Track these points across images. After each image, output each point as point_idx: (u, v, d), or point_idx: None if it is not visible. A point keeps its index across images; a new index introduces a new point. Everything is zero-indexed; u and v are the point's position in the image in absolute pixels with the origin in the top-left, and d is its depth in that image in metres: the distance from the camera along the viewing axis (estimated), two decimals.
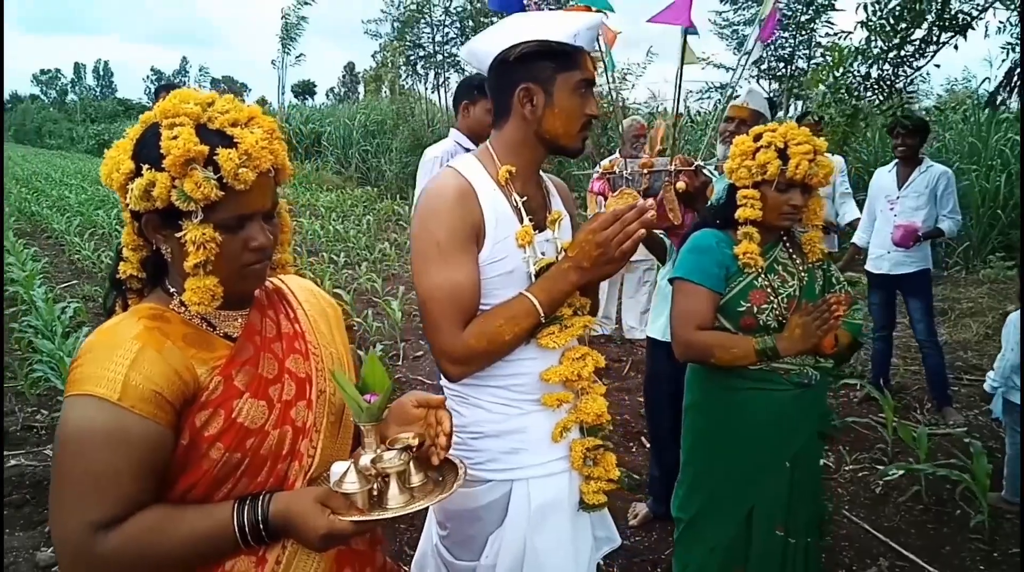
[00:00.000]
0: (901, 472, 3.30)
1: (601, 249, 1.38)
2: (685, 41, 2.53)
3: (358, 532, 1.06)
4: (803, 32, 9.70)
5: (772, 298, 1.93)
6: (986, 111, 8.60)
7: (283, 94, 22.45)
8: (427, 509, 1.66)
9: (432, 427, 1.15)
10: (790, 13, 9.72)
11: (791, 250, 2.04)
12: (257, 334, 1.13)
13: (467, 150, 3.07)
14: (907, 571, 2.74)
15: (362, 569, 1.20)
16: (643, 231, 1.39)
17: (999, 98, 3.34)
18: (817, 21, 9.48)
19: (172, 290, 1.09)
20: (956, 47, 3.19)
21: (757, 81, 10.97)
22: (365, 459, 1.08)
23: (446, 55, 14.18)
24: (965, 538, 2.94)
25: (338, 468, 1.08)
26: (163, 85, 5.20)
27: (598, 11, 2.67)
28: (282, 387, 1.11)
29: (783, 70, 10.20)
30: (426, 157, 3.48)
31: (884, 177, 4.43)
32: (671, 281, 2.09)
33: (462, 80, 3.74)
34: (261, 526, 1.03)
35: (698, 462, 2.09)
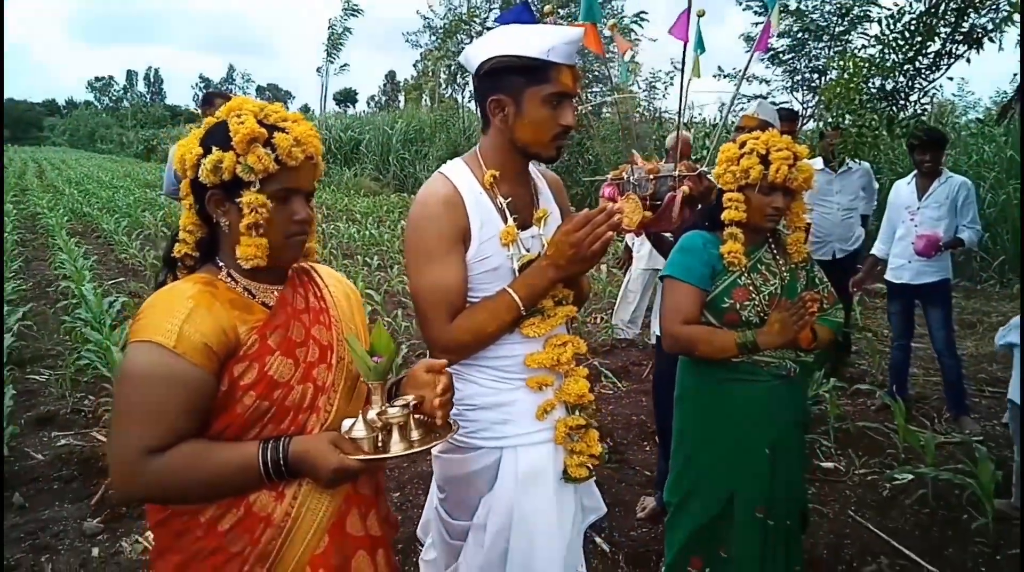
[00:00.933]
0: (909, 476, 3.36)
1: (574, 249, 1.54)
2: (684, 55, 2.65)
3: (364, 470, 1.23)
4: (838, 43, 9.68)
5: (754, 295, 2.05)
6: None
7: (325, 102, 23.03)
8: (432, 484, 1.83)
9: (433, 389, 1.32)
10: (825, 23, 9.72)
11: (775, 251, 2.16)
12: (289, 305, 1.32)
13: None
14: (906, 569, 2.81)
15: (367, 512, 1.36)
16: (611, 233, 1.54)
17: (1010, 112, 3.39)
18: (852, 33, 9.45)
19: (221, 264, 1.30)
20: (968, 60, 3.26)
21: (791, 91, 10.98)
22: (372, 412, 1.25)
23: None
24: (969, 541, 2.99)
25: (347, 422, 1.26)
26: (210, 93, 5.48)
27: (612, 24, 2.82)
28: (307, 350, 1.30)
29: (817, 80, 10.17)
30: None
31: (903, 189, 4.47)
32: (661, 278, 2.23)
33: None
34: (282, 462, 1.20)
35: (686, 448, 2.21)
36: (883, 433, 3.91)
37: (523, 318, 1.61)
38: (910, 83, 3.43)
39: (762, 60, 10.13)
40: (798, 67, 10.30)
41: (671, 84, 12.01)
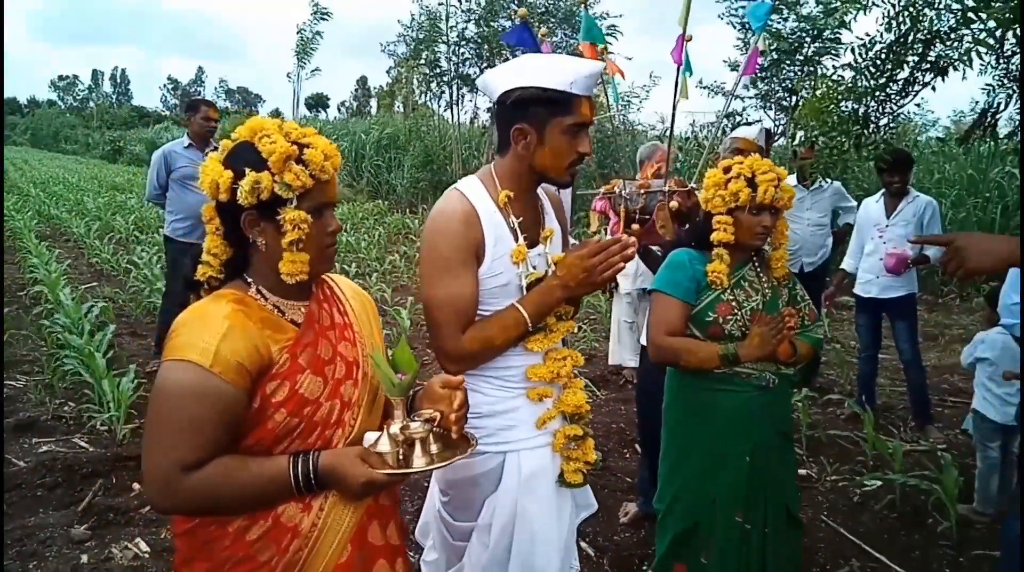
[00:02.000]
0: (878, 483, 3.52)
1: (587, 273, 1.65)
2: (677, 77, 2.78)
3: (390, 483, 1.30)
4: (810, 65, 9.95)
5: (737, 311, 2.17)
6: (985, 144, 8.84)
7: (297, 107, 22.87)
8: (429, 489, 1.90)
9: (449, 404, 1.39)
10: (797, 45, 9.99)
11: (759, 269, 2.28)
12: (316, 322, 1.37)
13: None
14: (875, 571, 2.95)
15: (387, 522, 1.43)
16: (623, 264, 1.65)
17: (973, 136, 3.58)
18: (824, 55, 9.73)
19: (250, 281, 1.34)
20: (934, 88, 3.44)
21: (764, 110, 11.26)
22: (395, 427, 1.32)
23: (462, 75, 14.51)
24: (934, 544, 3.14)
25: (371, 436, 1.32)
26: (194, 100, 5.49)
27: (605, 51, 2.94)
28: (335, 367, 1.36)
29: (788, 100, 10.46)
30: None
31: (872, 207, 4.67)
32: (649, 292, 2.34)
33: None
34: (312, 476, 1.26)
35: (672, 456, 2.31)
36: (853, 441, 4.07)
37: (529, 334, 1.71)
38: (880, 107, 3.60)
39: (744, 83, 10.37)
40: (772, 87, 10.57)
41: (646, 99, 12.25)
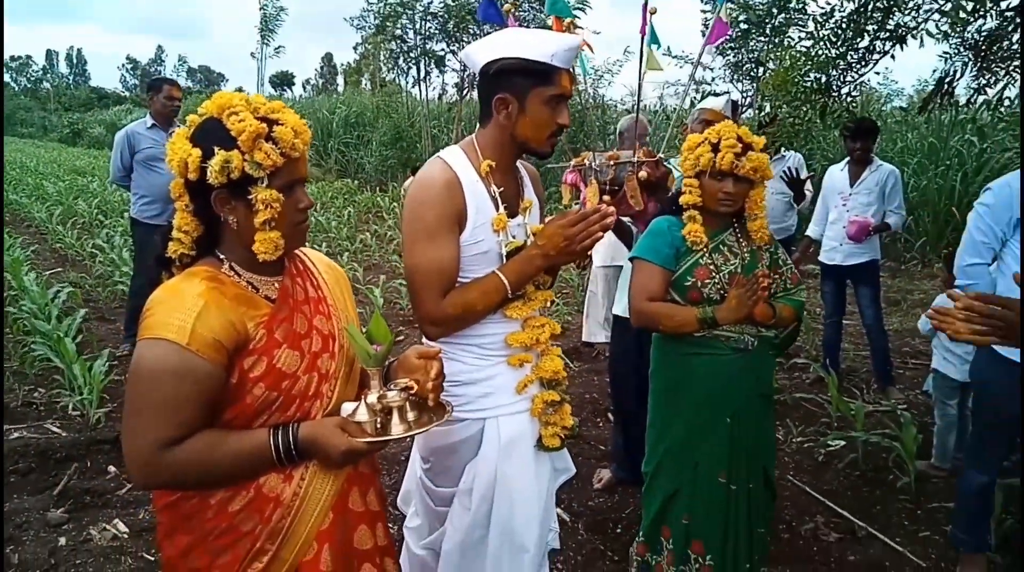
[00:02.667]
0: (842, 442, 3.65)
1: (567, 241, 1.69)
2: (642, 48, 2.81)
3: (369, 451, 1.33)
4: (778, 35, 10.01)
5: (715, 274, 2.21)
6: (946, 113, 9.01)
7: (262, 86, 22.48)
8: (410, 457, 1.94)
9: (426, 373, 1.43)
10: (766, 16, 10.03)
11: (739, 234, 2.33)
12: (290, 297, 1.38)
13: None
14: (840, 526, 3.07)
15: (367, 489, 1.47)
16: (602, 233, 1.69)
17: (931, 104, 3.67)
18: (791, 26, 9.80)
19: (222, 257, 1.34)
20: (893, 57, 3.52)
21: (732, 82, 11.34)
22: (372, 397, 1.35)
23: (428, 51, 14.37)
24: (894, 498, 3.28)
25: (348, 406, 1.36)
26: (157, 79, 5.38)
27: (573, 25, 2.96)
28: (311, 341, 1.38)
29: (756, 71, 10.54)
30: None
31: (836, 175, 4.76)
32: (631, 260, 2.38)
33: None
34: (293, 447, 1.29)
35: (658, 421, 2.36)
36: (818, 404, 4.20)
37: (508, 301, 1.75)
38: (841, 77, 3.68)
39: (710, 52, 10.39)
40: (740, 58, 10.63)
41: (617, 73, 12.27)
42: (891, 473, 3.47)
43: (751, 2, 9.53)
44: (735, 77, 11.20)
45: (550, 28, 3.02)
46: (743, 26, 9.40)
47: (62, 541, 2.90)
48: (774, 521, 3.07)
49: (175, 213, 1.34)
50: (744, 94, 11.12)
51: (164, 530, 1.36)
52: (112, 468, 3.48)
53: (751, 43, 10.01)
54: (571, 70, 1.76)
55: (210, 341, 1.22)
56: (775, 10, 9.91)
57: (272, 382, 1.30)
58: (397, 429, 1.35)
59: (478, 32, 12.42)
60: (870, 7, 3.46)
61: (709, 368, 2.23)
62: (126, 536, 2.93)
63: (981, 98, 3.53)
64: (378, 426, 1.34)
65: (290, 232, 1.33)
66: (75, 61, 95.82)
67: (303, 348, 1.35)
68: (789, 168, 4.58)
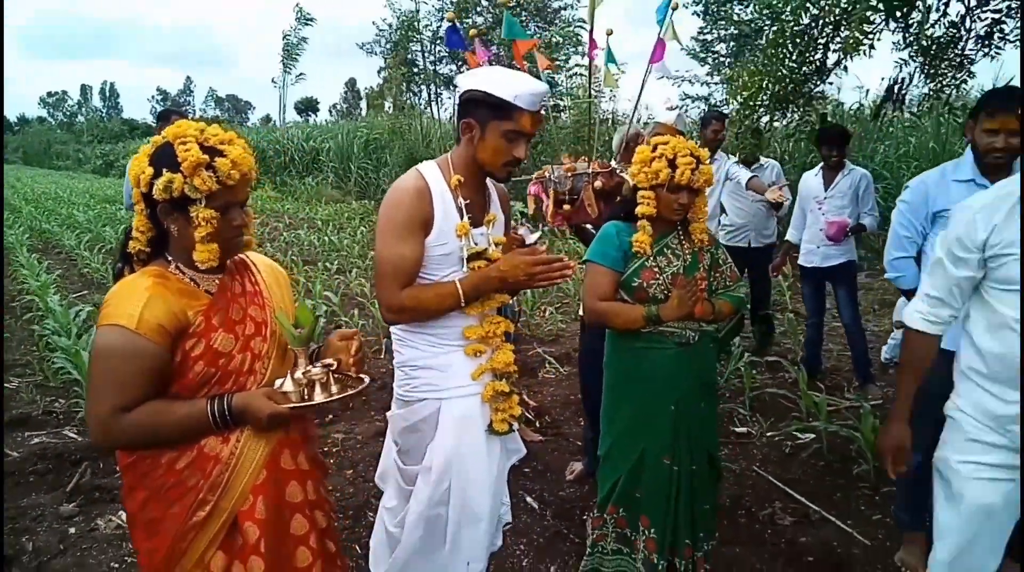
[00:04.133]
0: (811, 435, 3.81)
1: (527, 277, 1.95)
2: (589, 69, 3.05)
3: (293, 416, 1.57)
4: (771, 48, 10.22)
5: (659, 276, 2.42)
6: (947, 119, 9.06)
7: (284, 112, 23.13)
8: (385, 441, 2.20)
9: (347, 352, 1.67)
10: (758, 31, 10.25)
11: (682, 237, 2.53)
12: (228, 290, 1.64)
13: None
14: (797, 511, 3.23)
15: (296, 452, 1.70)
16: (560, 280, 1.97)
17: (883, 110, 3.84)
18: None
19: (170, 259, 1.60)
20: (846, 69, 3.70)
21: (727, 94, 11.52)
22: (298, 373, 1.60)
23: (438, 73, 14.78)
24: (855, 486, 3.42)
25: (278, 381, 1.60)
26: (166, 110, 5.76)
27: (536, 47, 3.21)
28: (245, 326, 1.62)
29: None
30: None
31: (811, 180, 4.93)
32: (582, 263, 2.60)
33: None
34: (227, 413, 1.53)
35: (610, 408, 2.56)
36: (792, 401, 4.35)
37: (459, 308, 2.00)
38: (797, 88, 3.87)
39: (703, 66, 10.60)
40: (736, 73, 10.84)
41: (618, 88, 12.55)
42: (855, 463, 3.61)
43: (740, 18, 9.81)
44: (732, 92, 11.42)
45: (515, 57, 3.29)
46: (734, 42, 9.66)
47: (72, 531, 3.17)
48: (734, 508, 3.25)
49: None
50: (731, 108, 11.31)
51: (126, 489, 1.61)
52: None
53: (744, 57, 10.23)
54: (537, 112, 1.97)
55: (155, 326, 1.47)
56: (767, 25, 10.15)
57: (210, 360, 1.54)
58: (318, 397, 1.58)
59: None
60: (820, 23, 3.65)
61: (655, 361, 2.43)
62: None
63: (930, 103, 3.70)
64: (304, 397, 1.58)
65: (225, 246, 1.57)
66: (108, 94, 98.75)
67: (237, 332, 1.60)
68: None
